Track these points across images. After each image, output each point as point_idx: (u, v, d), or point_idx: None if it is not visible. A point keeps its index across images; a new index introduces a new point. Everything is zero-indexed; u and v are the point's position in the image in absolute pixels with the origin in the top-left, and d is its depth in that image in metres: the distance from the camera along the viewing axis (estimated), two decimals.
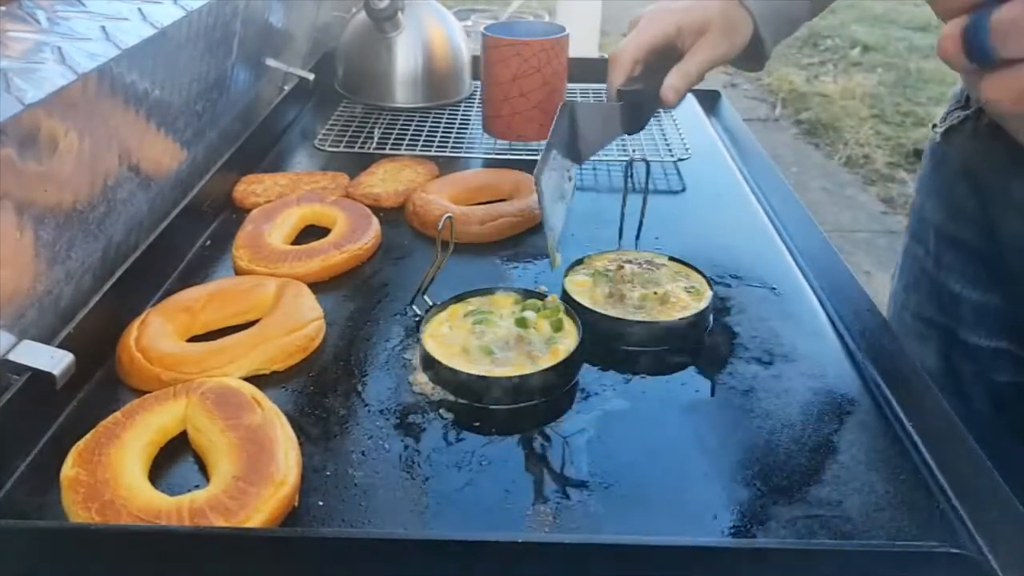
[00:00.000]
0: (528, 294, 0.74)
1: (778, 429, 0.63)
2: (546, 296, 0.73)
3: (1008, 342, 0.85)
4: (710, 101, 1.34)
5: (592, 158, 1.09)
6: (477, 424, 0.63)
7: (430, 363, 0.67)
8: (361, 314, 0.77)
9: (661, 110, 1.26)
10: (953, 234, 0.88)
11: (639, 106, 0.85)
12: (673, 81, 0.84)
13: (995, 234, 0.82)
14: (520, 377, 0.64)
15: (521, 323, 0.69)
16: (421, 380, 0.67)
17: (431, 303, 0.72)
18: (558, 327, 0.70)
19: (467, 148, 1.14)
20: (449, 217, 0.70)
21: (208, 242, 0.89)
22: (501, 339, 0.68)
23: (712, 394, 0.67)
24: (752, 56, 0.88)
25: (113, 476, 0.53)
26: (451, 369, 0.65)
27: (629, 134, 0.87)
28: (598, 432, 0.63)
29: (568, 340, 0.69)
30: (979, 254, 0.85)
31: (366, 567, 0.49)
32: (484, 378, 0.64)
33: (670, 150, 1.13)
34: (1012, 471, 0.57)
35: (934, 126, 0.92)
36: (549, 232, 0.75)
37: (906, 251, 0.97)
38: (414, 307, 0.72)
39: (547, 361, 0.66)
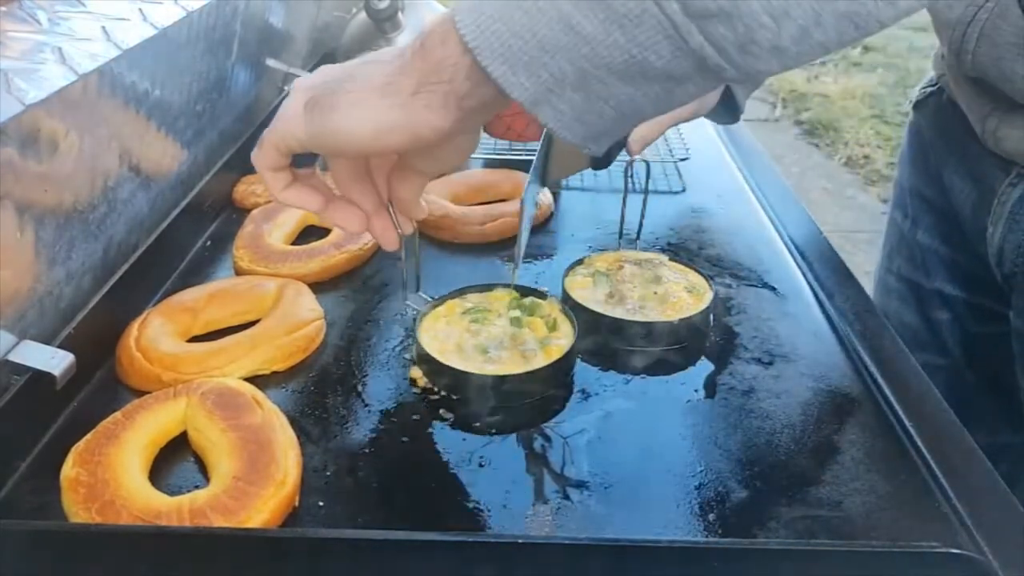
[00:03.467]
0: (526, 292, 0.74)
1: (778, 429, 0.63)
2: (545, 295, 0.73)
3: (978, 295, 0.92)
4: None
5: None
6: (477, 424, 0.63)
7: (424, 358, 0.67)
8: (361, 314, 0.77)
9: None
10: (925, 194, 0.95)
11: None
12: (644, 132, 0.84)
13: (950, 195, 0.90)
14: (508, 376, 0.64)
15: (516, 322, 0.69)
16: (416, 374, 0.67)
17: (428, 298, 0.72)
18: (553, 327, 0.70)
19: None
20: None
21: (208, 242, 0.90)
22: (496, 338, 0.68)
23: (712, 394, 0.67)
24: (725, 112, 0.92)
25: (113, 476, 0.53)
26: (442, 364, 0.65)
27: (594, 169, 0.86)
28: (598, 432, 0.63)
29: (563, 341, 0.69)
30: (944, 212, 0.92)
31: (366, 567, 0.49)
32: (475, 375, 0.64)
33: (670, 150, 1.13)
34: (979, 423, 0.61)
35: (910, 101, 1.01)
36: (519, 255, 0.72)
37: (890, 221, 1.05)
38: (409, 303, 0.72)
39: (540, 361, 0.66)
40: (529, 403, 0.65)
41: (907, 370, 0.68)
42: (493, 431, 0.63)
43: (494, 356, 0.66)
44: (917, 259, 0.98)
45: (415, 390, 0.67)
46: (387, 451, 0.60)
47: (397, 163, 0.56)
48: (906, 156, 1.02)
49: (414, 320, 0.71)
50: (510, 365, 0.66)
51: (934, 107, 0.95)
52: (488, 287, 0.74)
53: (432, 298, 0.72)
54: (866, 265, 2.98)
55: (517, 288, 0.74)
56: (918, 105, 0.98)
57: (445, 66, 0.44)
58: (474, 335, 0.68)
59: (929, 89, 0.96)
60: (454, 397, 0.65)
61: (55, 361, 0.60)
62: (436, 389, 0.66)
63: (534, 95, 0.42)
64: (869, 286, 1.02)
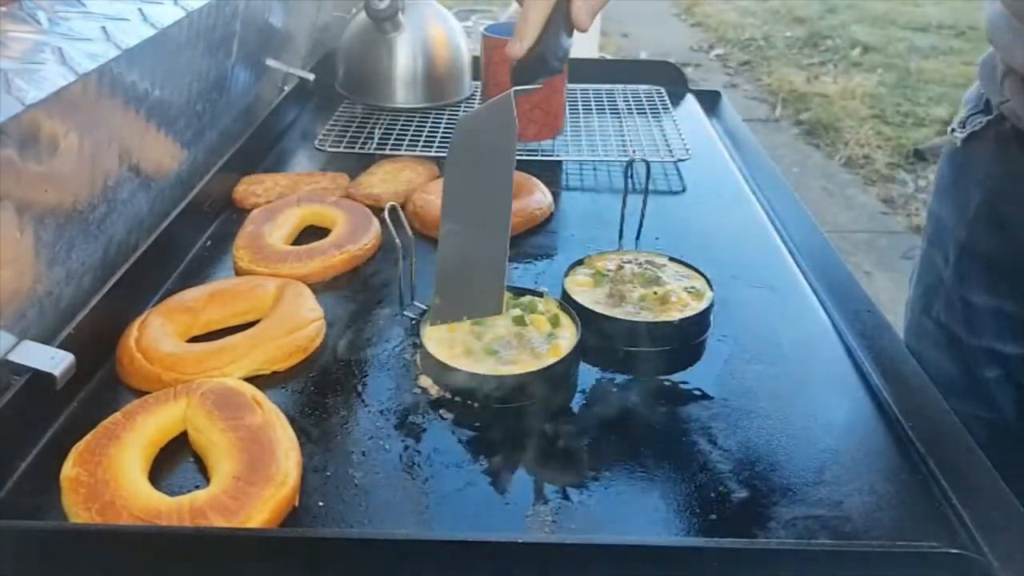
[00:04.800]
0: (520, 292, 0.74)
1: (778, 429, 0.63)
2: (540, 293, 0.73)
3: None
4: (710, 101, 1.34)
5: (590, 158, 1.10)
6: (477, 424, 0.63)
7: (435, 366, 0.66)
8: (361, 314, 0.77)
9: (662, 110, 1.26)
10: (973, 245, 0.86)
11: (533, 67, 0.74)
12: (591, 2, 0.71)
13: (1016, 243, 0.81)
14: (527, 375, 0.64)
15: (520, 321, 0.69)
16: (426, 383, 0.67)
17: (423, 307, 0.71)
18: (555, 323, 0.70)
19: None
20: (393, 206, 0.69)
21: (208, 242, 0.89)
22: (502, 338, 0.68)
23: (712, 394, 0.67)
24: None
25: (113, 477, 0.53)
26: (459, 371, 0.65)
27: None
28: (598, 432, 0.63)
29: (567, 334, 0.69)
30: (999, 264, 0.84)
31: (366, 567, 0.49)
32: (494, 377, 0.64)
33: (670, 150, 1.13)
34: None
35: (952, 130, 0.89)
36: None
37: (924, 257, 0.95)
38: (407, 314, 0.72)
39: (551, 356, 0.66)
40: (532, 403, 0.65)
41: (907, 370, 0.68)
42: (493, 431, 0.63)
43: (505, 357, 0.66)
44: (958, 313, 0.89)
45: (428, 397, 0.66)
46: (387, 451, 0.60)
47: None
48: (947, 193, 0.91)
49: (414, 329, 0.71)
50: (523, 364, 0.66)
51: (993, 139, 0.83)
52: None
53: (427, 306, 0.72)
54: (865, 265, 2.99)
55: (512, 289, 0.74)
56: (972, 138, 0.85)
57: None
58: (478, 337, 0.68)
59: (985, 118, 0.84)
60: (460, 401, 0.65)
61: (55, 361, 0.60)
62: (451, 396, 0.66)
63: None
64: (868, 286, 1.02)
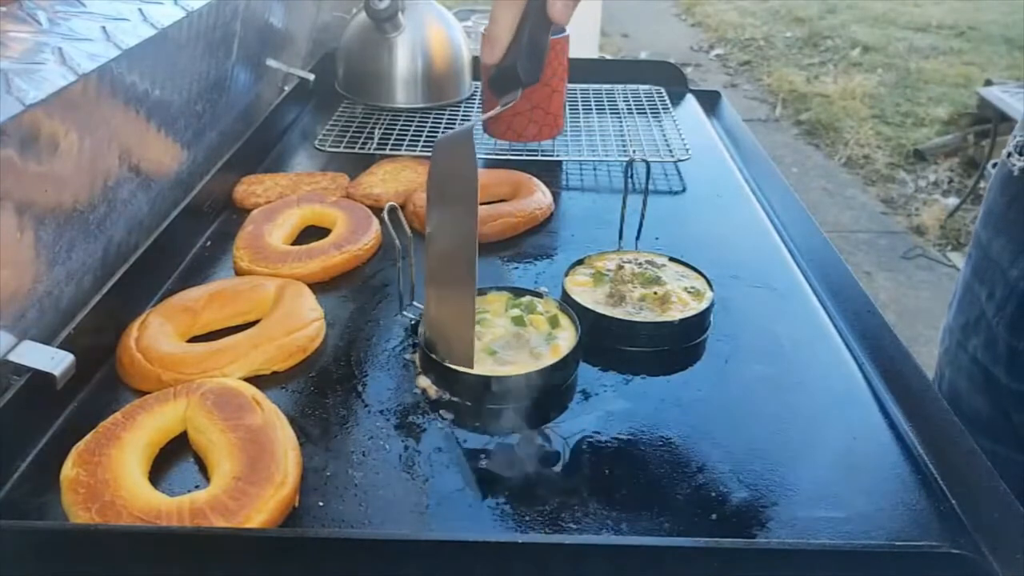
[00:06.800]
0: (520, 292, 0.74)
1: (778, 429, 0.63)
2: (540, 294, 0.73)
3: None
4: (710, 101, 1.34)
5: (590, 158, 1.10)
6: (477, 424, 0.63)
7: (432, 366, 0.67)
8: (361, 314, 0.77)
9: (662, 110, 1.26)
10: None
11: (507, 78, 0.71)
12: None
13: None
14: (528, 375, 0.64)
15: (519, 321, 0.69)
16: (424, 383, 0.67)
17: (422, 307, 0.71)
18: (555, 323, 0.70)
19: None
20: (392, 206, 0.69)
21: (208, 242, 0.90)
22: (501, 339, 0.68)
23: (712, 394, 0.67)
24: None
25: (113, 477, 0.53)
26: (458, 372, 0.65)
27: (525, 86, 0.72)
28: (598, 432, 0.63)
29: (567, 334, 0.69)
30: None
31: (366, 567, 0.49)
32: (492, 378, 0.64)
33: (670, 150, 1.13)
34: None
35: (1009, 154, 0.85)
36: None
37: (966, 286, 0.91)
38: (405, 312, 0.72)
39: (550, 357, 0.66)
40: (531, 403, 0.65)
41: (907, 370, 0.68)
42: (493, 431, 0.63)
43: (503, 357, 0.66)
44: (1000, 355, 0.84)
45: (428, 397, 0.66)
46: (387, 451, 0.60)
47: None
48: (1000, 224, 0.85)
49: (413, 329, 0.71)
50: (522, 364, 0.66)
51: None
52: (481, 291, 0.74)
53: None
54: (865, 265, 2.99)
55: (512, 289, 0.74)
56: None
57: None
58: (478, 338, 0.68)
59: None
60: (464, 402, 0.65)
61: (55, 361, 0.60)
62: (449, 397, 0.66)
63: None
64: (868, 286, 1.01)
